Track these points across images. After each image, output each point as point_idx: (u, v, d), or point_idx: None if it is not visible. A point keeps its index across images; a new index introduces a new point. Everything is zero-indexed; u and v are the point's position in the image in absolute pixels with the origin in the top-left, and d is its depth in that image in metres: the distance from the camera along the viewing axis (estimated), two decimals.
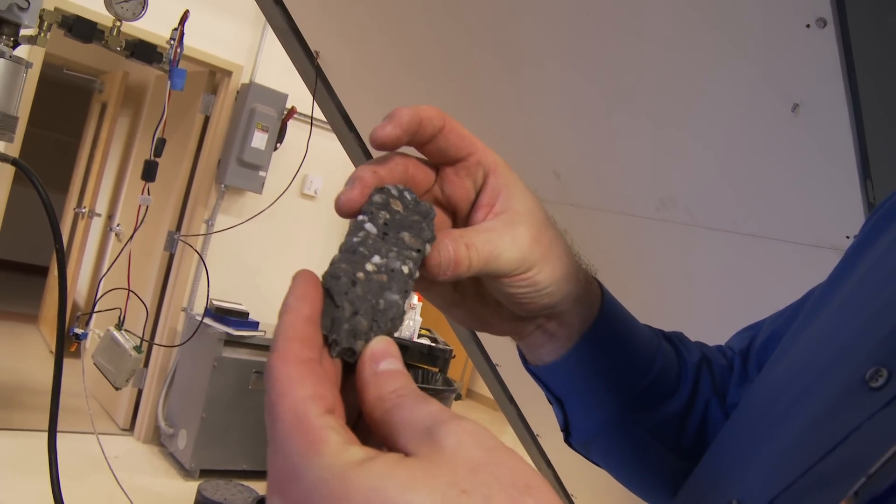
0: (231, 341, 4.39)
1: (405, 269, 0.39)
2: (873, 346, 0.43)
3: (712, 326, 0.82)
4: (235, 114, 4.72)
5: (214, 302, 4.54)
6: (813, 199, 1.00)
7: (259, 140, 4.61)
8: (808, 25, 0.85)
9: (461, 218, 0.49)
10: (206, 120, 4.81)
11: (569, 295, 0.51)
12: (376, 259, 0.38)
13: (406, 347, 4.00)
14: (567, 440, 0.64)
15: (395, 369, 0.34)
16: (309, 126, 3.48)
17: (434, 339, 4.33)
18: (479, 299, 0.53)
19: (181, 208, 4.88)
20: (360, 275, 0.37)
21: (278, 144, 4.72)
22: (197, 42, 4.41)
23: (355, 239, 0.39)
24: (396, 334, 0.37)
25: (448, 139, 0.45)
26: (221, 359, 4.36)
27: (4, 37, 1.29)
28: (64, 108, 8.49)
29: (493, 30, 1.28)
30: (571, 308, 0.53)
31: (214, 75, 4.81)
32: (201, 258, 4.53)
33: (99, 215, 5.89)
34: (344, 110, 1.74)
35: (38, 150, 6.53)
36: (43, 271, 7.41)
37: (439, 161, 0.47)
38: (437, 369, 4.13)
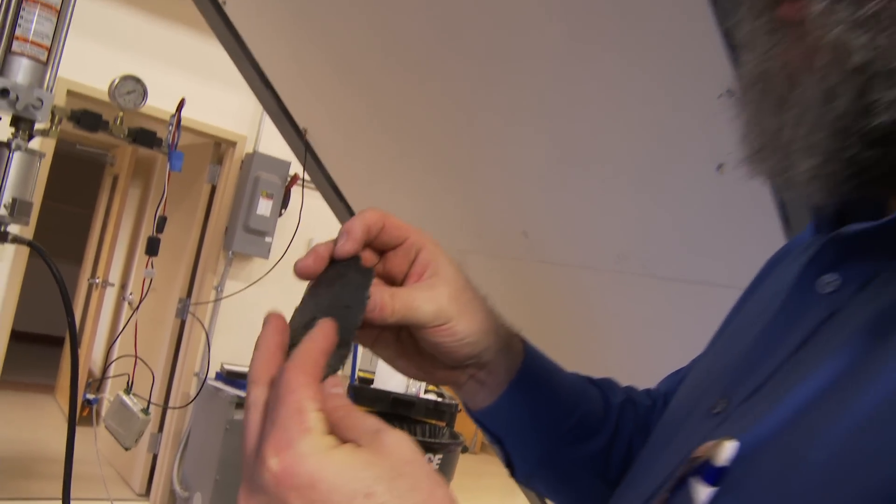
0: (242, 404, 4.42)
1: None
2: (721, 379, 0.51)
3: (667, 370, 0.91)
4: (241, 182, 4.86)
5: (225, 366, 4.63)
6: (746, 247, 1.10)
7: (264, 207, 4.74)
8: (720, 96, 0.97)
9: (397, 286, 0.60)
10: (213, 189, 4.95)
11: (490, 347, 0.62)
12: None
13: (412, 404, 4.06)
14: (512, 475, 0.73)
15: (340, 393, 0.45)
16: (312, 191, 3.61)
17: (441, 395, 4.39)
18: (416, 351, 0.63)
19: (191, 276, 5.00)
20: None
21: (283, 210, 4.86)
22: (202, 115, 4.59)
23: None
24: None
25: (390, 233, 0.58)
26: (233, 421, 4.43)
27: (21, 132, 1.43)
28: (77, 181, 8.70)
29: (463, 98, 1.41)
30: (496, 359, 0.63)
31: (220, 146, 4.96)
32: (203, 327, 4.62)
33: (112, 285, 6.02)
34: (332, 180, 1.87)
35: (53, 224, 6.70)
36: (59, 341, 7.52)
37: (383, 249, 0.59)
38: (444, 423, 4.19)
